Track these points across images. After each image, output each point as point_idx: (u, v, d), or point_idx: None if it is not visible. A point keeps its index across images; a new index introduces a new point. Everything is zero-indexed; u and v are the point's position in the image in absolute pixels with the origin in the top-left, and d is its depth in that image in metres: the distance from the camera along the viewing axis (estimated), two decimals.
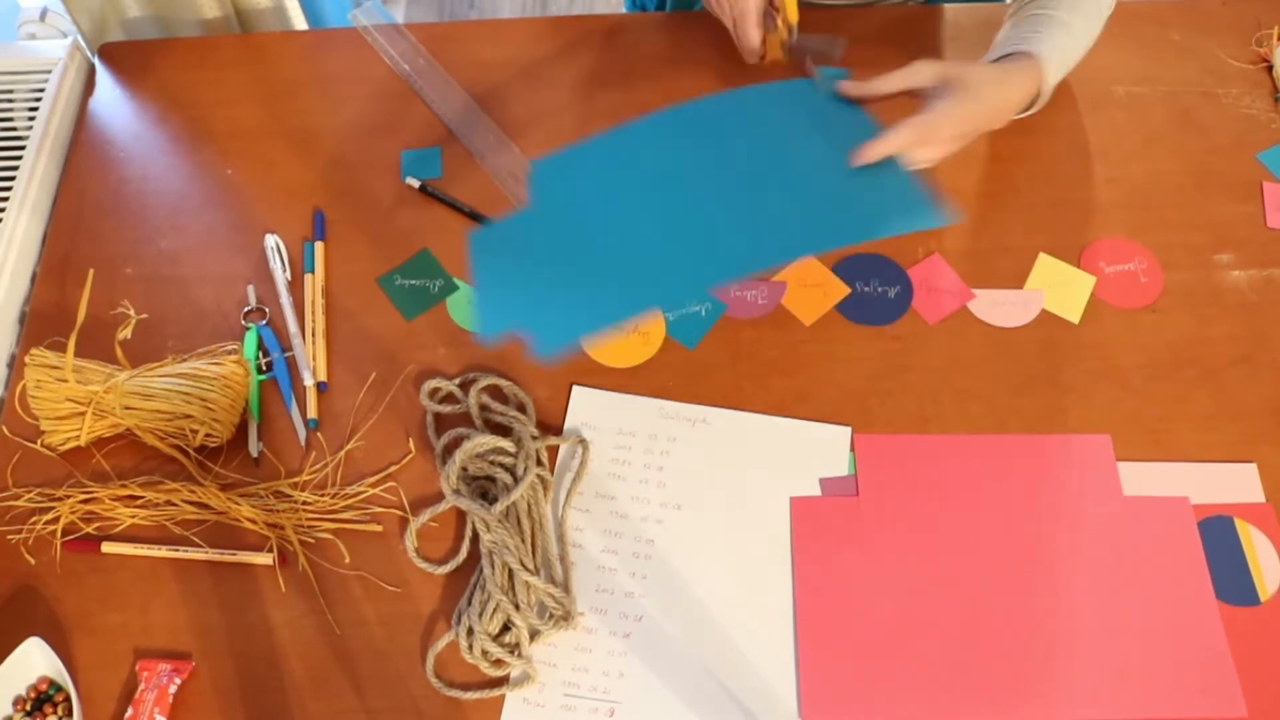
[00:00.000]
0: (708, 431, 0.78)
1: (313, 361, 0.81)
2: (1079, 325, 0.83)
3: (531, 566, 0.71)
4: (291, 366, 0.82)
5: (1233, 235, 0.87)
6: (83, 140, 0.94)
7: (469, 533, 0.74)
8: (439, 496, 0.75)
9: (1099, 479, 0.75)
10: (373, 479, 0.77)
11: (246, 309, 0.84)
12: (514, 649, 0.69)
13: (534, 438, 0.76)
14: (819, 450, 0.77)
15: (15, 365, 0.82)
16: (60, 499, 0.75)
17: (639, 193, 0.77)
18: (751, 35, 0.84)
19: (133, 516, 0.75)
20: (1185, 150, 0.92)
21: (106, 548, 0.73)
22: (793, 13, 0.83)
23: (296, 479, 0.77)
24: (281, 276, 0.85)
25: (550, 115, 0.94)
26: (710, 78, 0.95)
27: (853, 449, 0.77)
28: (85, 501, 0.75)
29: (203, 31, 1.12)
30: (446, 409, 0.79)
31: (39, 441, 0.77)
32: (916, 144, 0.74)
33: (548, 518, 0.75)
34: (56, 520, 0.74)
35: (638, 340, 0.82)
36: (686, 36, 0.98)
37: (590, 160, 0.80)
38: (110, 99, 0.97)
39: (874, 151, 0.73)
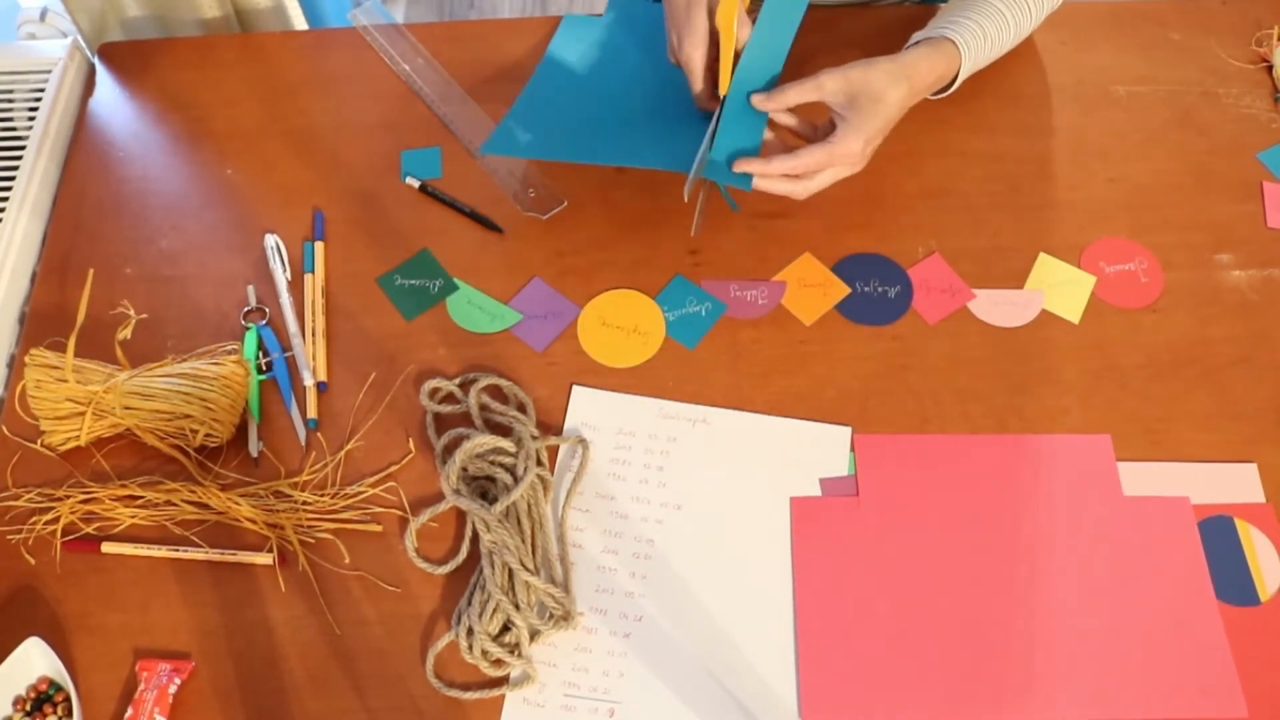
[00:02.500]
0: (708, 431, 0.78)
1: (313, 361, 0.81)
2: (1079, 325, 0.83)
3: (531, 566, 0.71)
4: (291, 366, 0.82)
5: (1233, 235, 0.87)
6: (83, 140, 0.94)
7: (469, 533, 0.74)
8: (439, 496, 0.75)
9: (1099, 479, 0.75)
10: (373, 479, 0.77)
11: (246, 309, 0.84)
12: (514, 649, 0.69)
13: (534, 438, 0.76)
14: (819, 450, 0.77)
15: (15, 365, 0.82)
16: (60, 499, 0.75)
17: (618, 78, 0.93)
18: (700, 88, 0.81)
19: (133, 516, 0.75)
20: (1185, 150, 0.92)
21: (106, 548, 0.73)
22: (723, 83, 0.79)
23: (296, 479, 0.77)
24: (281, 276, 0.85)
25: None
26: None
27: (853, 449, 0.77)
28: (85, 501, 0.75)
29: (203, 31, 1.12)
30: (446, 409, 0.79)
31: (39, 441, 0.77)
32: (823, 166, 0.78)
33: (548, 518, 0.75)
34: (56, 520, 0.74)
35: (638, 340, 0.82)
36: None
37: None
38: (110, 99, 0.97)
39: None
